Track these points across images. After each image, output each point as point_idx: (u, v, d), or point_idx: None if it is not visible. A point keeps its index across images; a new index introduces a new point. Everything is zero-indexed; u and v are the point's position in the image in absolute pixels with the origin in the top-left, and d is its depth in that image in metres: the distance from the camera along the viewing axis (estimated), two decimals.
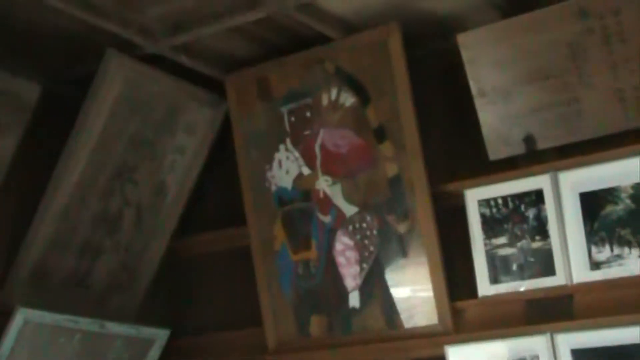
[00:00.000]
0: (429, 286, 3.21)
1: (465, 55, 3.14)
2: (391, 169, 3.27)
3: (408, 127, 3.22)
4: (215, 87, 3.65)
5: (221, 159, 3.72)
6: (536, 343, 2.97)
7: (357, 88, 3.33)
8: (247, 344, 3.62)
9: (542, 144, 3.09)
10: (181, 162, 3.72)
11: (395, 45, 3.22)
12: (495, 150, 3.17)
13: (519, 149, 3.13)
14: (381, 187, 3.29)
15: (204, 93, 3.66)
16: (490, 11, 3.18)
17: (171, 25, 3.35)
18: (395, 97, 3.24)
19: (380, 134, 3.29)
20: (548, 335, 2.95)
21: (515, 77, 3.09)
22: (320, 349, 3.42)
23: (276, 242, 3.53)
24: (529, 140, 3.10)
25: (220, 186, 3.78)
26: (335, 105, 3.38)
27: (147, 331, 3.63)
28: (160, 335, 3.66)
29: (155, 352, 3.66)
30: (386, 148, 3.28)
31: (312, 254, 3.44)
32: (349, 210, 3.36)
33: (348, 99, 3.35)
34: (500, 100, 3.13)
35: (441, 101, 3.32)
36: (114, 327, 3.52)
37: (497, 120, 3.15)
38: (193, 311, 3.82)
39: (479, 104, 3.16)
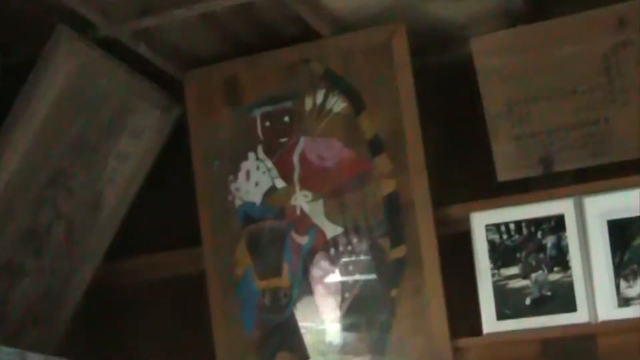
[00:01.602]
0: (426, 321, 2.82)
1: (478, 62, 2.83)
2: (387, 186, 2.88)
3: (412, 139, 2.84)
4: (171, 88, 3.16)
5: (170, 169, 3.21)
6: None
7: (349, 93, 2.93)
8: None
9: (560, 166, 2.79)
10: (122, 171, 3.17)
11: (401, 47, 2.86)
12: (505, 171, 2.84)
13: (533, 171, 2.82)
14: (373, 206, 2.89)
15: (157, 92, 3.15)
16: (504, 20, 2.88)
17: (136, 6, 2.86)
18: (398, 105, 2.86)
19: (375, 146, 2.90)
20: None
21: (536, 90, 2.79)
22: None
23: (238, 267, 3.04)
24: (546, 161, 2.80)
25: (166, 201, 3.25)
26: (320, 111, 2.97)
27: None
28: None
29: None
30: (382, 162, 2.89)
31: (284, 281, 2.98)
32: (332, 230, 2.94)
33: (337, 105, 2.95)
34: (516, 116, 2.82)
35: (444, 114, 2.96)
36: None
37: (511, 138, 2.83)
38: (124, 351, 3.24)
39: (491, 119, 2.83)
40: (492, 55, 2.82)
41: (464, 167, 2.94)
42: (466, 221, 2.84)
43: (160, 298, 3.22)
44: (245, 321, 3.01)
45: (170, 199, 3.22)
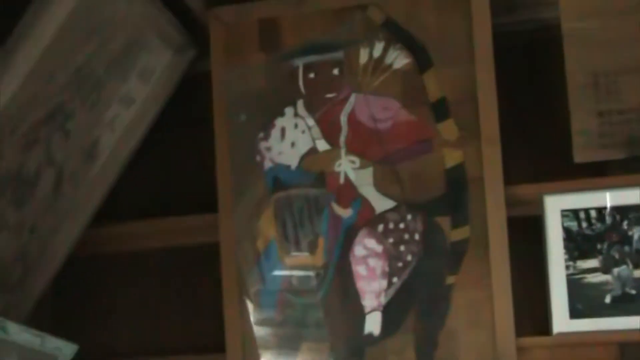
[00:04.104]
0: (488, 314, 2.44)
1: (565, 25, 2.49)
2: (452, 158, 2.50)
3: (486, 105, 2.47)
4: (192, 28, 2.70)
5: (184, 121, 2.74)
6: None
7: (413, 47, 2.54)
8: None
9: None
10: (124, 117, 2.69)
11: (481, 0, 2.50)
12: (584, 151, 2.50)
13: (617, 153, 2.50)
14: (434, 179, 2.50)
15: (174, 28, 2.68)
16: None
17: None
18: (472, 65, 2.49)
19: (441, 110, 2.51)
20: None
21: (629, 61, 2.47)
22: None
23: (261, 240, 2.59)
24: (634, 143, 2.48)
25: (175, 159, 2.77)
26: (377, 65, 2.56)
27: (53, 343, 2.51)
28: (65, 352, 2.56)
29: None
30: (447, 129, 2.51)
31: (317, 258, 2.55)
32: (382, 204, 2.53)
33: (398, 60, 2.55)
34: (603, 90, 2.50)
35: (516, 80, 2.60)
36: (17, 333, 2.39)
37: (594, 114, 2.50)
38: (103, 329, 2.73)
39: (573, 90, 2.50)
40: (582, 18, 2.49)
41: (533, 143, 2.58)
42: (536, 203, 2.49)
43: (158, 271, 2.74)
44: (265, 302, 2.56)
45: (181, 157, 2.75)
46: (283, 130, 2.60)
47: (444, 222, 2.49)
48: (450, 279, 2.47)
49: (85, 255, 2.67)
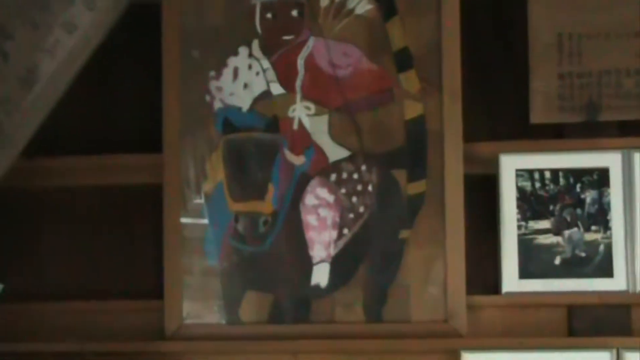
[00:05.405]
0: (440, 271, 2.40)
1: None
2: (412, 109, 2.44)
3: (450, 59, 2.42)
4: None
5: (131, 53, 2.58)
6: None
7: None
8: (129, 324, 2.48)
9: (607, 115, 2.48)
10: (65, 44, 2.52)
11: None
12: (542, 113, 2.49)
13: (575, 117, 2.49)
14: (392, 130, 2.44)
15: None
16: None
17: None
18: (438, 16, 2.43)
19: (403, 60, 2.44)
20: (614, 351, 2.32)
21: (594, 25, 2.46)
22: (254, 340, 2.43)
23: (208, 183, 2.48)
24: (592, 107, 2.48)
25: (118, 93, 2.61)
26: (340, 9, 2.47)
27: None
28: None
29: None
30: (409, 80, 2.44)
31: (266, 205, 2.45)
32: (336, 153, 2.45)
33: (362, 5, 2.47)
34: (566, 52, 2.48)
35: (479, 37, 2.54)
36: None
37: (555, 76, 2.49)
38: (33, 270, 2.57)
39: (535, 51, 2.47)
40: None
41: (493, 101, 2.54)
42: (493, 162, 2.46)
43: (94, 211, 2.58)
44: (209, 249, 2.46)
45: (126, 91, 2.59)
46: (236, 71, 2.49)
47: (401, 175, 2.43)
48: (404, 233, 2.42)
49: (15, 189, 2.50)
